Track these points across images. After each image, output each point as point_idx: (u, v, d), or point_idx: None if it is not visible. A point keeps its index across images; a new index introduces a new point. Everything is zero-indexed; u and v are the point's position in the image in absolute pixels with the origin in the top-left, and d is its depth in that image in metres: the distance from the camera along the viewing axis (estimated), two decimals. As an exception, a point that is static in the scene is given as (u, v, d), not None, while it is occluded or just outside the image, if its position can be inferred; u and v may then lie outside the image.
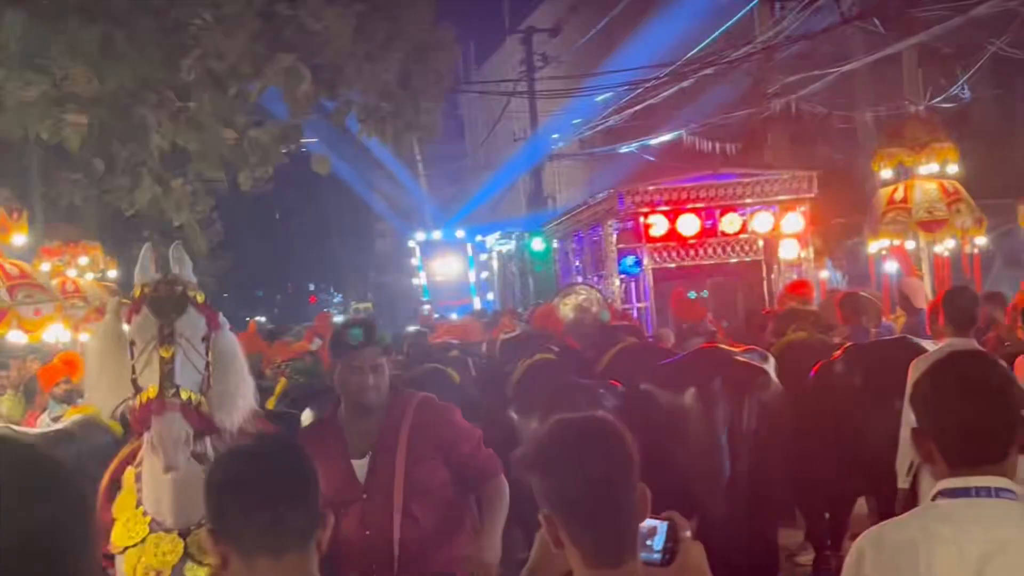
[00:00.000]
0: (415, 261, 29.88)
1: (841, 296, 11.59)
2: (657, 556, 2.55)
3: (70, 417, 9.02)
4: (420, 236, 30.37)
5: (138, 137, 13.04)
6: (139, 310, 4.61)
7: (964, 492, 2.79)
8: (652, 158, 25.46)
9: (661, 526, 2.57)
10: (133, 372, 4.54)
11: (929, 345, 8.67)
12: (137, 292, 4.73)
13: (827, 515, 9.26)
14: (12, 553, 1.68)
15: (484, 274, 28.57)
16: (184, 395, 4.40)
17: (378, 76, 14.13)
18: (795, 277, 14.21)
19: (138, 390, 4.48)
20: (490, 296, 26.08)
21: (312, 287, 67.44)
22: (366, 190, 43.68)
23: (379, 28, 14.01)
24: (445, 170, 40.25)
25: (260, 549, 2.63)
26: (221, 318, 4.97)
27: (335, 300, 61.30)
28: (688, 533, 2.59)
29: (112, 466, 4.99)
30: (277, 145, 13.77)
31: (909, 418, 3.96)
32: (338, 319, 47.66)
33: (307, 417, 8.28)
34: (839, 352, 8.39)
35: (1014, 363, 6.75)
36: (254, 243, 43.74)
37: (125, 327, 4.74)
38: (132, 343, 4.59)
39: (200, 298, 4.81)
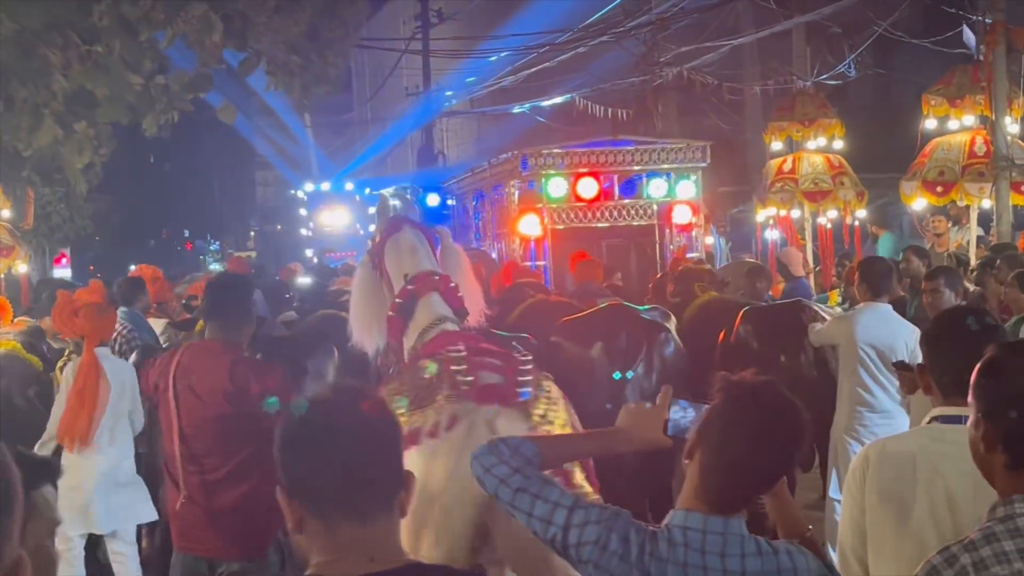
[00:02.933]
0: (303, 211, 29.89)
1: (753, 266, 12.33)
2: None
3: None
4: (308, 187, 30.34)
5: (40, 78, 13.01)
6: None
7: (956, 419, 3.34)
8: (543, 119, 25.91)
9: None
10: None
11: (825, 310, 9.36)
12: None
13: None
14: None
15: (372, 227, 28.72)
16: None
17: (288, 28, 14.26)
18: (684, 242, 14.78)
19: None
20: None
21: (188, 234, 66.49)
22: (249, 136, 43.19)
23: (289, -20, 14.15)
24: (332, 121, 40.09)
25: (342, 513, 2.42)
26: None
27: (212, 248, 60.62)
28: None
29: None
30: (186, 93, 13.81)
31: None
32: (215, 267, 46.96)
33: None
34: (740, 315, 8.91)
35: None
36: (127, 186, 43.00)
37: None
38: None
39: None
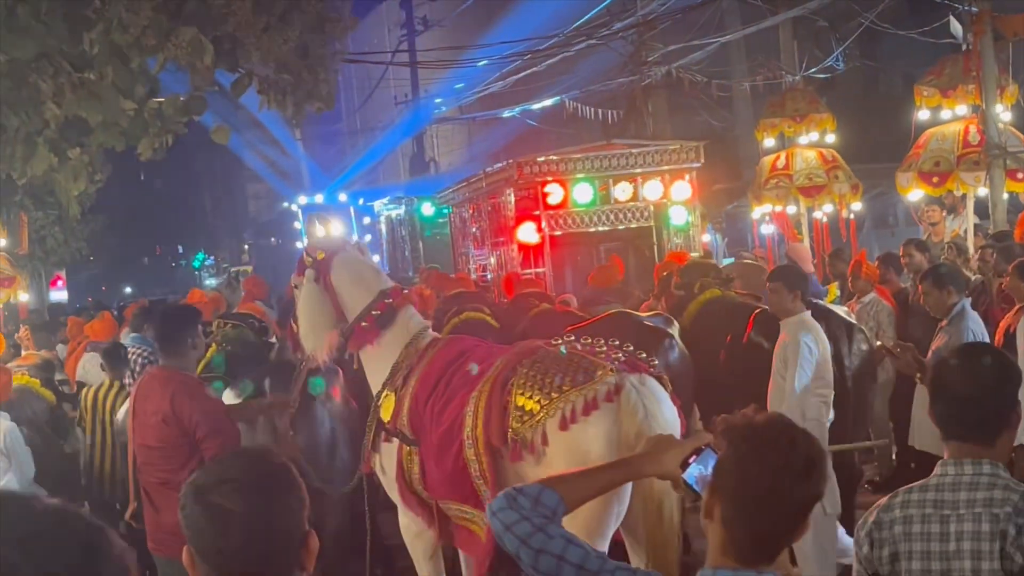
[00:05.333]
0: (298, 224, 29.94)
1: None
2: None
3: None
4: (302, 200, 30.39)
5: (32, 107, 13.04)
6: None
7: None
8: (534, 123, 25.94)
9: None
10: None
11: (837, 307, 9.40)
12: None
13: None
14: None
15: (367, 237, 28.77)
16: None
17: (277, 47, 14.29)
18: (680, 242, 14.84)
19: None
20: (375, 259, 26.31)
21: (182, 250, 66.44)
22: (239, 150, 43.17)
23: (277, 1, 14.17)
24: (321, 132, 40.07)
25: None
26: None
27: (207, 262, 60.48)
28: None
29: None
30: (180, 116, 13.84)
31: None
32: (211, 282, 46.85)
33: (228, 397, 8.59)
34: (752, 320, 8.92)
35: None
36: (120, 205, 42.98)
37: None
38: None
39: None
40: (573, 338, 6.18)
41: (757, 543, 2.65)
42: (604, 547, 5.58)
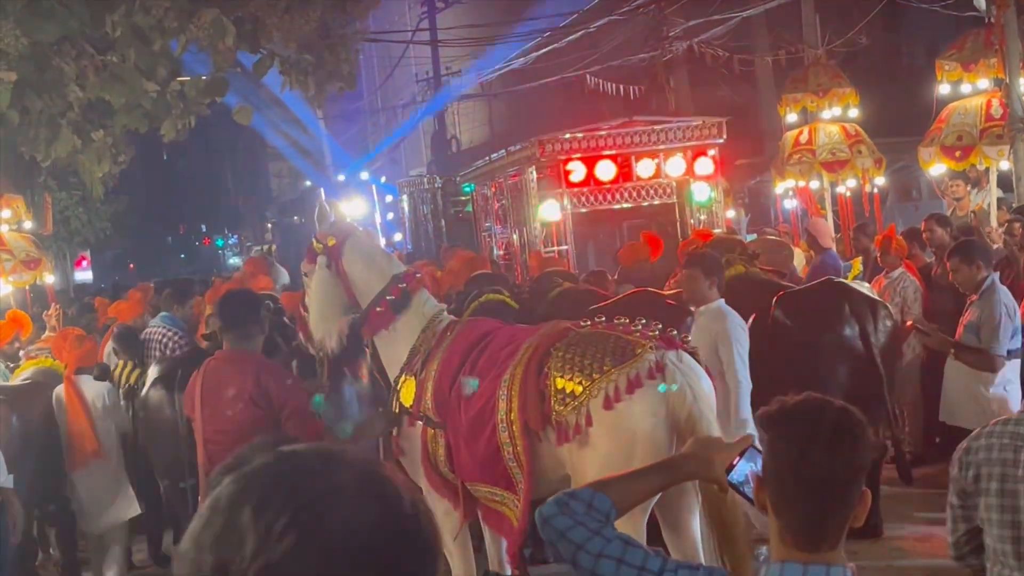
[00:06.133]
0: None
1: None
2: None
3: (29, 369, 9.35)
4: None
5: (56, 89, 13.11)
6: None
7: None
8: (556, 100, 25.90)
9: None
10: None
11: (859, 284, 9.38)
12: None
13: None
14: None
15: (389, 215, 28.82)
16: None
17: (298, 28, 14.32)
18: (704, 219, 14.82)
19: None
20: (398, 237, 26.40)
21: (205, 229, 66.62)
22: (261, 129, 43.18)
23: (297, -19, 14.19)
24: (343, 110, 40.11)
25: None
26: None
27: (231, 241, 60.65)
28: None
29: None
30: (203, 97, 13.91)
31: None
32: (235, 261, 46.85)
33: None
34: (775, 302, 8.89)
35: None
36: (143, 185, 43.11)
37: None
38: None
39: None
40: (604, 318, 6.15)
41: (809, 525, 2.63)
42: (642, 519, 5.57)
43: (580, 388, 5.71)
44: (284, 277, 14.39)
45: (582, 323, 6.09)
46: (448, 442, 6.32)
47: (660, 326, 5.99)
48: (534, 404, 5.83)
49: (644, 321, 6.00)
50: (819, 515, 2.62)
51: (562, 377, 5.77)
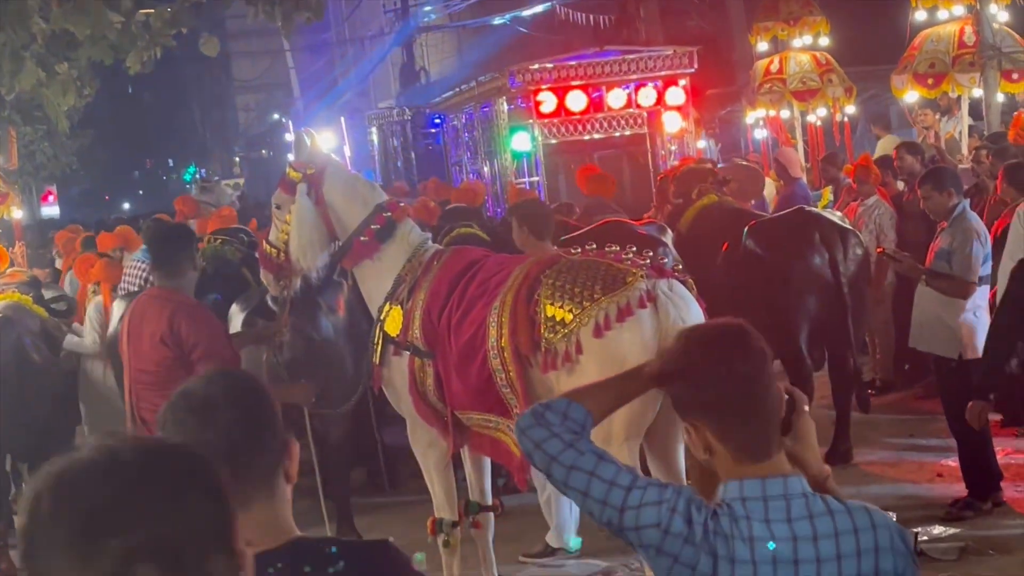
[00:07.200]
0: (289, 136, 29.73)
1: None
2: None
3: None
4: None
5: (19, 21, 12.91)
6: None
7: None
8: (525, 30, 25.68)
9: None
10: None
11: (829, 213, 9.42)
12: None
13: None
14: None
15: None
16: None
17: (265, -44, 14.11)
18: (676, 149, 14.80)
19: None
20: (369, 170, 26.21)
21: (172, 163, 65.98)
22: (226, 60, 42.61)
23: (264, -93, 13.95)
24: (309, 42, 39.69)
25: None
26: None
27: (199, 176, 59.98)
28: (806, 408, 2.77)
29: None
30: (168, 28, 13.69)
31: None
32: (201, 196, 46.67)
33: (235, 312, 8.54)
34: (746, 231, 8.92)
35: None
36: (109, 119, 42.58)
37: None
38: None
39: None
40: (595, 246, 6.16)
41: (758, 435, 2.65)
42: (637, 445, 5.72)
43: (570, 316, 5.73)
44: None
45: (572, 250, 6.08)
46: (437, 371, 6.32)
47: (651, 254, 6.01)
48: (524, 329, 5.84)
49: (635, 249, 6.02)
50: (763, 422, 2.65)
51: (552, 305, 5.78)
